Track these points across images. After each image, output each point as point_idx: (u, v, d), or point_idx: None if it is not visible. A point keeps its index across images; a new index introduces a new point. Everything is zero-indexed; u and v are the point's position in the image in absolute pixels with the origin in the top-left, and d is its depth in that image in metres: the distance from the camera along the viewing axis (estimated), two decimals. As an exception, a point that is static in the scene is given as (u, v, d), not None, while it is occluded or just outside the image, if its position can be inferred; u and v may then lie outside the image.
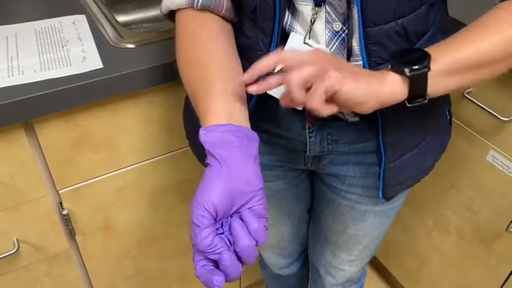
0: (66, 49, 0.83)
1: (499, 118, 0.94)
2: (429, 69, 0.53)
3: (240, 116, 0.54)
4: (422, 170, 0.77)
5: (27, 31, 0.88)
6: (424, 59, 0.53)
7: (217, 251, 0.47)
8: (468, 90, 0.99)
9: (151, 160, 0.96)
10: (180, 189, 1.05)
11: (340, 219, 0.86)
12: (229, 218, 0.49)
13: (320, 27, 0.59)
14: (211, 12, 0.64)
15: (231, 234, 0.48)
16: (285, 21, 0.61)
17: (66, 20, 0.92)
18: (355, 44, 0.58)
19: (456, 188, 1.12)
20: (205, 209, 0.47)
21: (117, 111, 0.86)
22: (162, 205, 1.05)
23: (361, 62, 0.59)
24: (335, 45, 0.60)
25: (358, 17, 0.54)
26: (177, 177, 1.03)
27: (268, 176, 0.82)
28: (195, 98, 0.58)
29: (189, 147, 0.85)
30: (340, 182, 0.80)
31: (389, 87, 0.53)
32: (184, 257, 1.19)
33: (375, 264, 1.56)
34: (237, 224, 0.48)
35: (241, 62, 0.64)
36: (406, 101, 0.55)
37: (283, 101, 0.54)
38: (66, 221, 0.93)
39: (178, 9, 0.65)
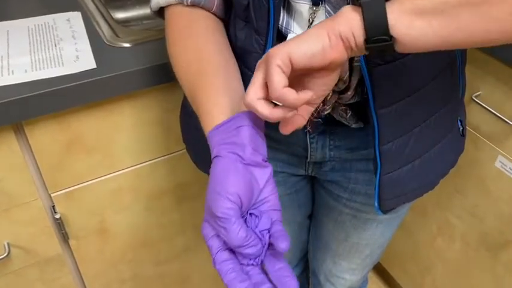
0: (59, 48, 0.80)
1: (509, 123, 0.90)
2: None
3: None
4: (424, 185, 0.71)
5: (19, 28, 0.85)
6: None
7: (252, 244, 0.45)
8: (476, 93, 0.96)
9: (147, 163, 0.94)
10: (177, 192, 1.03)
11: (341, 227, 0.83)
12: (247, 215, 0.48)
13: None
14: (202, 8, 0.62)
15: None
16: (280, 21, 0.58)
17: (60, 17, 0.89)
18: None
19: (461, 194, 1.09)
20: (230, 200, 0.45)
21: (111, 112, 0.83)
22: (158, 208, 1.03)
23: (359, 64, 0.55)
24: None
25: None
26: (173, 180, 1.00)
27: (268, 181, 0.79)
28: (196, 95, 0.57)
29: (185, 150, 0.82)
30: (342, 190, 0.77)
31: (341, 18, 0.45)
32: (180, 261, 1.17)
33: (378, 268, 1.53)
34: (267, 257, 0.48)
35: (238, 65, 0.61)
36: (365, 41, 0.44)
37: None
38: (59, 225, 0.90)
39: (168, 5, 0.63)
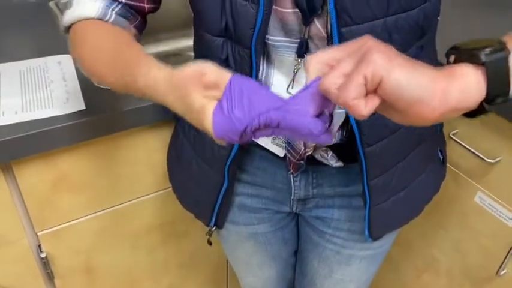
0: (49, 90, 0.83)
1: (485, 160, 0.93)
2: (509, 51, 0.39)
3: None
4: (410, 212, 0.76)
5: (11, 71, 0.87)
6: (495, 42, 0.39)
7: None
8: (454, 131, 0.99)
9: (132, 201, 0.95)
10: (163, 230, 1.03)
11: (325, 264, 0.84)
12: None
13: (302, 76, 0.59)
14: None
15: None
16: (260, 70, 0.60)
17: (51, 60, 0.92)
18: None
19: (444, 229, 1.11)
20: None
21: (98, 151, 0.84)
22: (143, 247, 1.03)
23: (341, 110, 0.58)
24: None
25: None
26: (159, 219, 1.01)
27: (253, 218, 0.81)
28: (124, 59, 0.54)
29: (171, 188, 0.84)
30: (326, 225, 0.79)
31: (458, 82, 0.39)
32: (168, 300, 1.16)
33: (366, 305, 1.52)
34: None
35: None
36: (484, 103, 0.40)
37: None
38: (45, 264, 0.90)
39: (85, 20, 0.61)
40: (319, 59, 0.41)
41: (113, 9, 0.62)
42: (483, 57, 0.38)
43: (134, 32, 0.65)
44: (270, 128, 0.43)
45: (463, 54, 0.40)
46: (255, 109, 0.43)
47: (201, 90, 0.44)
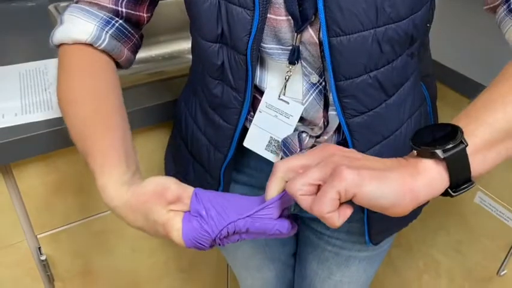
0: (49, 92, 0.83)
1: (485, 160, 0.94)
2: (466, 144, 0.41)
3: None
4: (409, 215, 0.75)
5: (11, 74, 0.88)
6: (455, 133, 0.42)
7: None
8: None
9: (133, 203, 0.95)
10: (164, 232, 1.03)
11: (325, 265, 0.84)
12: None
13: (297, 80, 0.59)
14: (110, 56, 0.63)
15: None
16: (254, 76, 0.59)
17: (51, 63, 0.92)
18: (331, 95, 0.58)
19: (445, 230, 1.11)
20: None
21: (98, 154, 0.84)
22: (143, 250, 1.03)
23: (335, 112, 0.58)
24: (312, 96, 0.59)
25: (329, 70, 0.53)
26: (160, 221, 1.01)
27: (251, 220, 0.81)
28: (89, 136, 0.57)
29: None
30: (324, 227, 0.79)
31: (423, 179, 0.42)
32: (168, 302, 1.16)
33: (367, 307, 1.52)
34: None
35: (215, 119, 0.64)
36: (449, 190, 0.43)
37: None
38: (45, 266, 0.90)
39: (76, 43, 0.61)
40: (287, 166, 0.45)
41: (107, 31, 0.61)
42: (442, 155, 0.41)
43: (126, 56, 0.65)
44: (239, 233, 0.48)
45: (424, 152, 0.43)
46: (225, 219, 0.47)
47: (165, 205, 0.48)
